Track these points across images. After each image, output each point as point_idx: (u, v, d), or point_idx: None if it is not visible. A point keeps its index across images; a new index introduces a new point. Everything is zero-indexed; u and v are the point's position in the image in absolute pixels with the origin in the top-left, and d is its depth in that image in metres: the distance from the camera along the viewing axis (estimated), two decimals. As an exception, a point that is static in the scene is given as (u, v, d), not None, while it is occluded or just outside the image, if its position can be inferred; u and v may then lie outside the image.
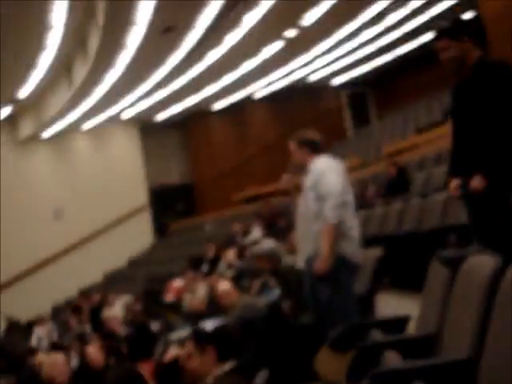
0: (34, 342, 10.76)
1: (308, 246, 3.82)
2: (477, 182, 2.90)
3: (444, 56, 3.00)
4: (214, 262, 9.46)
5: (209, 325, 3.06)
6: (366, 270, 4.17)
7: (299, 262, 3.99)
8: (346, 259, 3.70)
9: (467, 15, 13.90)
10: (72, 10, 9.84)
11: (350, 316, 3.64)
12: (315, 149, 3.90)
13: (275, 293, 5.58)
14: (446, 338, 2.62)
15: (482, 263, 2.48)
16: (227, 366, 2.83)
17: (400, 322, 3.21)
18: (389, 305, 4.67)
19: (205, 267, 9.63)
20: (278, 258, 4.95)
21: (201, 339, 2.97)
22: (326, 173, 3.73)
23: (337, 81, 18.13)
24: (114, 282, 14.61)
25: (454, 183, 3.09)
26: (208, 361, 2.89)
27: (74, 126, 15.88)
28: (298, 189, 4.09)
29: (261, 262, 5.00)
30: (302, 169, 3.97)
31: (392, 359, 2.55)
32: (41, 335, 11.10)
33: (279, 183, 4.20)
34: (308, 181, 3.85)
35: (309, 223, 3.81)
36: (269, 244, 5.46)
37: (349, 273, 3.76)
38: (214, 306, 5.67)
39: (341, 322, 3.46)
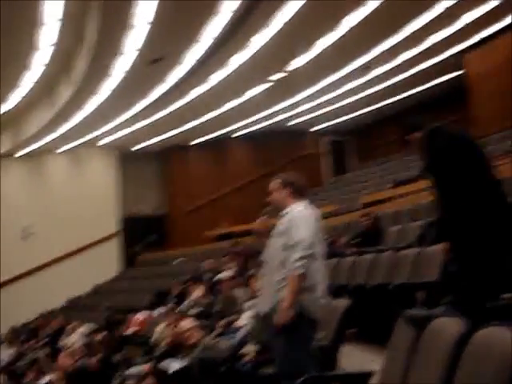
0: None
1: (270, 295, 3.68)
2: None
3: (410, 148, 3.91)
4: (180, 298, 9.32)
5: (170, 365, 2.98)
6: (332, 321, 4.12)
7: (262, 306, 3.87)
8: (305, 313, 3.58)
9: (453, 74, 14.31)
10: (61, 32, 9.86)
11: (306, 368, 3.48)
12: (298, 192, 3.84)
13: (239, 335, 5.50)
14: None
15: (448, 325, 2.46)
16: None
17: (362, 377, 3.16)
18: (352, 357, 4.61)
19: (170, 303, 9.47)
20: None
21: (162, 381, 2.90)
22: (300, 222, 3.64)
23: (318, 127, 18.33)
24: (76, 308, 14.31)
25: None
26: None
27: (52, 147, 15.77)
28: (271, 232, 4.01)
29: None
30: (278, 210, 3.87)
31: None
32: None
33: (254, 224, 4.09)
34: (279, 225, 3.76)
35: (272, 270, 3.70)
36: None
37: (309, 327, 3.63)
38: (175, 343, 5.57)
39: (297, 373, 3.33)
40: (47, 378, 5.90)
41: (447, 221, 3.26)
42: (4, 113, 13.54)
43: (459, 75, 14.01)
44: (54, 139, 14.93)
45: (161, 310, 9.33)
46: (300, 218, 3.66)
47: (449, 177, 3.22)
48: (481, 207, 3.07)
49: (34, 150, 15.52)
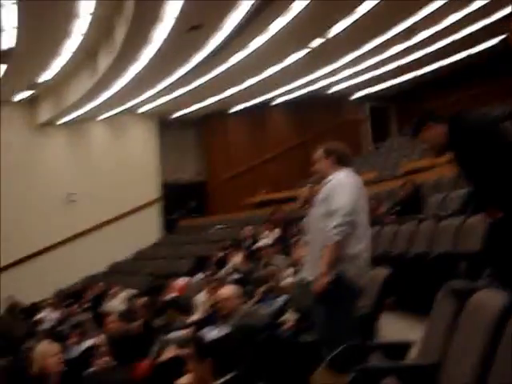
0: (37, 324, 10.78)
1: (313, 263, 3.70)
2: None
3: (428, 146, 3.60)
4: (219, 265, 9.42)
5: (210, 333, 3.02)
6: (372, 290, 4.10)
7: (306, 274, 3.89)
8: (347, 281, 3.58)
9: (498, 39, 13.85)
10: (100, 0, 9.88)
11: (347, 337, 3.47)
12: (341, 161, 3.83)
13: (279, 302, 5.54)
14: (448, 369, 2.57)
15: (491, 298, 2.42)
16: (222, 379, 2.80)
17: (402, 348, 3.15)
18: (392, 326, 4.60)
19: (210, 269, 9.58)
20: None
21: (200, 350, 2.94)
22: (340, 189, 3.63)
23: (359, 94, 18.05)
24: (118, 274, 14.62)
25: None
26: (204, 372, 2.86)
27: (93, 115, 15.92)
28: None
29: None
30: (322, 179, 3.88)
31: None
32: (44, 318, 11.14)
33: (301, 191, 4.08)
34: (322, 193, 3.76)
35: (315, 237, 3.71)
36: None
37: (350, 296, 3.63)
38: (215, 310, 5.63)
39: (338, 341, 3.34)
40: (90, 342, 6.05)
41: (485, 191, 3.17)
42: (46, 81, 13.71)
43: (506, 39, 13.55)
44: (94, 107, 15.05)
45: (200, 276, 9.46)
46: (340, 185, 3.65)
47: (482, 157, 3.08)
48: None
49: (76, 117, 15.70)
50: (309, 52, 13.01)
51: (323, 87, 16.50)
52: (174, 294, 9.78)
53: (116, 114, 16.37)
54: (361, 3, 10.71)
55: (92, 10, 10.18)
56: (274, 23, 11.08)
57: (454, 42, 13.76)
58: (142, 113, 16.77)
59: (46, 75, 13.40)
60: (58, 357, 4.59)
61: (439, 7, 11.36)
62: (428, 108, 14.92)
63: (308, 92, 16.68)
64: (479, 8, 11.73)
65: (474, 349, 2.31)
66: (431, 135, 3.35)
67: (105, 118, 16.56)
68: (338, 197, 3.59)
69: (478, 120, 3.25)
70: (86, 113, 15.43)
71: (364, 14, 11.11)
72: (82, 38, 11.45)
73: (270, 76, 14.38)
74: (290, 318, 4.73)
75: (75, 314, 10.68)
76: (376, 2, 10.63)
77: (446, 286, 2.86)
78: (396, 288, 4.73)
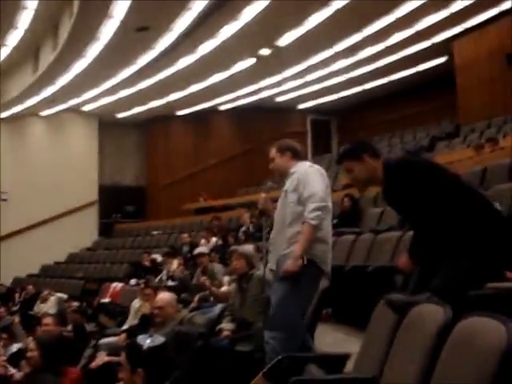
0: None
1: (280, 247, 3.74)
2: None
3: (350, 177, 3.17)
4: (156, 270, 9.28)
5: (143, 341, 2.91)
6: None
7: (270, 264, 3.89)
8: (315, 264, 3.63)
9: (439, 60, 14.29)
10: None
11: (295, 321, 3.59)
12: (297, 155, 3.92)
13: (215, 310, 5.47)
14: (386, 383, 2.56)
15: (430, 313, 2.43)
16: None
17: (339, 360, 3.14)
18: (328, 338, 4.61)
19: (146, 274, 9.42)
20: (253, 263, 4.88)
21: (133, 359, 2.84)
22: (311, 176, 3.71)
23: (302, 106, 18.24)
24: (49, 277, 14.19)
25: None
26: (137, 382, 2.76)
27: (33, 111, 15.47)
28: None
29: (239, 261, 4.90)
30: (281, 176, 3.94)
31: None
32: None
33: (258, 203, 4.09)
34: (289, 184, 3.80)
35: (284, 225, 3.73)
36: (251, 248, 5.38)
37: (313, 279, 3.69)
38: (150, 317, 5.51)
39: (285, 324, 3.50)
40: (17, 346, 5.82)
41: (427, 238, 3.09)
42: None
43: (447, 61, 13.99)
44: (37, 102, 14.64)
45: (135, 281, 9.29)
46: (309, 173, 3.74)
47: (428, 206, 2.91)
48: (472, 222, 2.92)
49: (17, 112, 15.22)
50: (256, 61, 13.06)
51: (269, 97, 16.58)
52: (107, 300, 9.57)
53: (57, 112, 15.96)
54: (309, 16, 10.82)
55: (37, 3, 9.91)
56: (223, 29, 11.07)
57: (395, 61, 14.09)
58: (85, 112, 16.41)
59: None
60: (1, 358, 4.38)
61: (384, 26, 11.63)
62: (364, 137, 15.25)
63: (253, 101, 16.73)
64: (422, 29, 12.06)
65: (412, 363, 2.31)
66: (361, 169, 3.07)
67: (45, 115, 16.12)
68: (310, 184, 3.66)
69: (415, 164, 3.01)
70: (28, 108, 14.98)
71: (311, 28, 11.24)
72: (25, 31, 11.12)
73: (217, 82, 14.35)
74: (226, 326, 4.68)
75: (3, 317, 10.30)
76: (324, 17, 10.77)
77: (385, 299, 2.86)
78: (334, 300, 4.75)
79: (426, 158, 3.73)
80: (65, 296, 10.53)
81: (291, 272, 3.55)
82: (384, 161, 3.10)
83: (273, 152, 3.96)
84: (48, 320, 6.05)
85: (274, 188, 4.10)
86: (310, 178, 3.69)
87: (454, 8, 11.20)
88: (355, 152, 3.10)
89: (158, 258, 10.46)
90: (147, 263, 10.42)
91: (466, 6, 11.09)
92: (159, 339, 2.91)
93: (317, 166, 3.89)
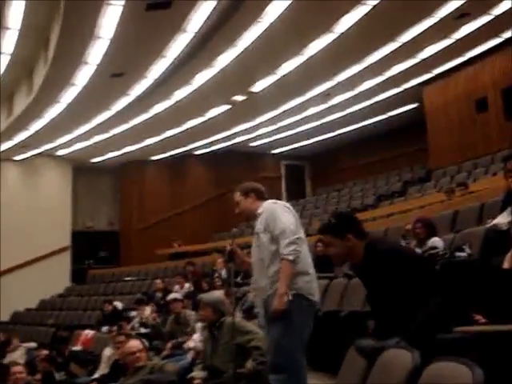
0: None
1: (265, 288, 3.72)
2: None
3: (330, 251, 3.24)
4: (127, 318, 9.12)
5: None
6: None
7: (257, 307, 3.91)
8: (302, 297, 3.62)
9: (410, 106, 14.63)
10: (23, 38, 9.69)
11: (297, 359, 3.56)
12: (261, 196, 3.96)
13: (187, 358, 5.40)
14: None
15: (399, 357, 2.44)
16: None
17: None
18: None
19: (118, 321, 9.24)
20: (222, 310, 4.80)
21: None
22: (277, 212, 3.73)
23: (277, 150, 18.42)
24: (19, 324, 13.87)
25: None
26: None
27: (7, 155, 15.38)
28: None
29: (205, 310, 4.84)
30: (248, 218, 4.00)
31: None
32: None
33: (225, 250, 4.13)
34: (259, 224, 3.82)
35: (264, 266, 3.73)
36: (218, 295, 5.31)
37: (304, 312, 3.66)
38: (121, 364, 5.41)
39: (287, 364, 3.49)
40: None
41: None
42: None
43: (418, 107, 14.31)
44: (10, 147, 14.57)
45: (107, 329, 9.13)
46: (275, 210, 3.76)
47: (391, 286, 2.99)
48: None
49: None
50: (231, 107, 13.22)
51: (243, 142, 16.73)
52: (77, 347, 9.39)
53: (31, 156, 15.88)
54: (282, 64, 11.04)
55: (12, 48, 9.96)
56: (197, 76, 11.22)
57: (367, 107, 14.38)
58: (59, 156, 16.35)
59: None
60: None
61: (354, 74, 11.90)
62: (351, 211, 15.36)
63: (228, 145, 16.87)
64: (391, 76, 12.37)
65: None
66: (342, 246, 3.14)
67: (19, 160, 16.02)
68: (278, 221, 3.68)
69: (398, 257, 3.09)
70: (1, 152, 14.88)
71: (284, 75, 11.47)
72: (2, 74, 11.14)
73: (191, 128, 14.46)
74: (197, 375, 4.61)
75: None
76: (296, 64, 11.00)
77: (355, 345, 2.86)
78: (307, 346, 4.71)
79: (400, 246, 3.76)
80: (34, 345, 10.29)
81: (279, 311, 3.55)
82: (369, 243, 3.15)
83: (237, 195, 4.02)
84: (17, 368, 5.92)
85: (238, 234, 4.14)
86: (276, 215, 3.72)
87: (423, 55, 11.53)
88: (340, 230, 3.15)
89: (119, 305, 10.34)
90: (108, 311, 10.30)
91: (435, 53, 11.42)
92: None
93: (281, 202, 3.94)
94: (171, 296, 7.51)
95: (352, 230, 3.15)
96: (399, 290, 2.92)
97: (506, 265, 3.61)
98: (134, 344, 4.95)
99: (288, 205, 3.90)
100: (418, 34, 10.33)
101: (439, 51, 11.35)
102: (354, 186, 15.78)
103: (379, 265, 3.01)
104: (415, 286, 2.91)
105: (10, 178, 16.21)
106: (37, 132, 13.50)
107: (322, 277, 6.69)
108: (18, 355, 9.60)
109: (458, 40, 10.93)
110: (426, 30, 10.18)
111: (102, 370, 6.74)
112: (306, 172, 19.71)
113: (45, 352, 8.20)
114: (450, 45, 11.12)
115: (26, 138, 13.95)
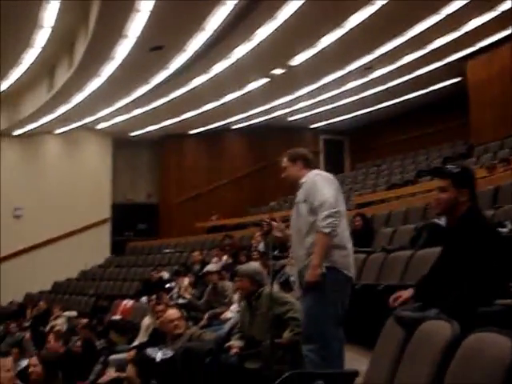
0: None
1: (301, 258, 3.77)
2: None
3: (440, 196, 3.12)
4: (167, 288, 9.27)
5: (153, 354, 2.92)
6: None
7: (293, 277, 3.95)
8: (337, 271, 3.65)
9: (452, 81, 14.31)
10: (63, 12, 9.77)
11: (328, 331, 3.60)
12: (308, 164, 3.96)
13: (224, 327, 5.47)
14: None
15: (438, 328, 2.43)
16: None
17: (348, 376, 3.13)
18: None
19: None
20: (259, 281, 4.83)
21: (145, 371, 2.85)
22: (318, 184, 3.74)
23: (315, 125, 18.29)
24: (60, 294, 14.24)
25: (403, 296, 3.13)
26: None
27: (48, 128, 15.65)
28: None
29: (242, 282, 4.88)
30: (294, 184, 3.98)
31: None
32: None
33: (274, 230, 4.10)
34: (300, 194, 3.84)
35: (301, 236, 3.76)
36: (256, 266, 5.35)
37: (339, 285, 3.69)
38: (160, 332, 5.52)
39: (318, 335, 3.53)
40: (27, 361, 5.82)
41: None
42: (3, 90, 13.42)
43: (460, 81, 14.00)
44: (51, 120, 14.80)
45: (146, 299, 9.29)
46: (318, 182, 3.77)
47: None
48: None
49: (31, 129, 15.40)
50: (269, 80, 13.14)
51: (281, 116, 16.65)
52: (117, 317, 9.58)
53: (71, 130, 16.13)
54: (321, 37, 10.90)
55: (53, 22, 10.06)
56: (236, 50, 11.16)
57: (408, 81, 14.12)
58: (99, 130, 16.57)
59: (3, 85, 13.12)
60: (11, 373, 4.39)
61: (395, 47, 11.67)
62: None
63: (266, 120, 16.81)
64: (433, 50, 12.09)
65: (420, 378, 2.30)
66: (457, 196, 3.05)
67: (60, 133, 16.29)
68: (318, 193, 3.68)
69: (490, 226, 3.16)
70: (42, 125, 15.16)
71: (324, 48, 11.32)
72: (41, 49, 11.29)
73: (230, 101, 14.45)
74: (235, 344, 4.67)
75: (14, 333, 10.35)
76: (336, 37, 10.84)
77: (394, 315, 2.86)
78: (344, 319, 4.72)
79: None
80: (74, 313, 10.55)
81: (312, 282, 3.58)
82: (473, 207, 3.09)
83: (284, 161, 4.02)
84: (51, 337, 6.08)
85: (276, 208, 4.14)
86: (318, 187, 3.72)
87: (467, 28, 11.23)
88: (462, 181, 3.09)
89: (165, 275, 10.48)
90: (154, 280, 10.47)
91: (479, 26, 11.11)
92: (169, 352, 2.92)
93: (324, 173, 3.93)
94: (206, 268, 7.60)
95: (470, 186, 3.10)
96: (482, 264, 2.87)
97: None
98: (173, 312, 5.05)
99: (332, 177, 3.89)
100: (462, 7, 10.04)
101: (483, 24, 11.04)
102: (394, 162, 15.57)
103: (473, 232, 2.97)
104: (494, 265, 2.88)
105: (51, 151, 16.53)
106: (77, 105, 13.66)
107: (359, 251, 6.70)
108: (59, 322, 9.88)
109: (502, 13, 10.59)
110: (469, 2, 9.90)
111: (141, 338, 6.87)
112: (345, 147, 19.54)
113: (85, 320, 8.41)
114: (495, 18, 10.79)
115: (67, 111, 14.13)
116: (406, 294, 3.12)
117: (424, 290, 3.06)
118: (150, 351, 2.85)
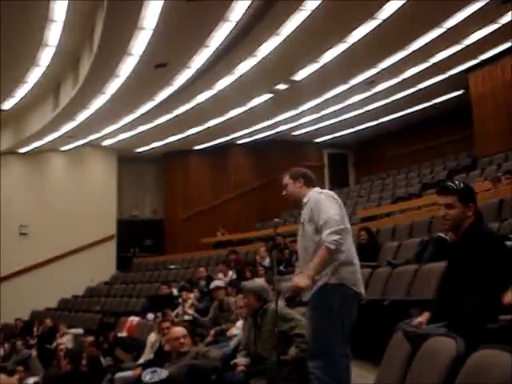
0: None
1: None
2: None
3: (448, 213, 3.14)
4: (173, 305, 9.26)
5: (157, 374, 2.91)
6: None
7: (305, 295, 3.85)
8: (346, 287, 3.63)
9: (455, 93, 14.33)
10: (68, 31, 9.86)
11: (334, 347, 3.58)
12: (309, 182, 3.97)
13: (230, 345, 5.45)
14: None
15: (444, 344, 2.42)
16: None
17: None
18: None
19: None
20: (265, 297, 4.82)
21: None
22: (322, 203, 3.72)
23: (319, 140, 18.33)
24: (67, 311, 14.24)
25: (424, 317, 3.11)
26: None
27: (53, 146, 15.73)
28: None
29: (247, 297, 4.88)
30: (295, 203, 3.99)
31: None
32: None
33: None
34: (304, 214, 3.83)
35: (309, 254, 3.74)
36: (261, 282, 5.34)
37: (347, 302, 3.66)
38: (166, 350, 5.50)
39: (324, 351, 3.51)
40: (33, 379, 5.82)
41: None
42: (9, 108, 13.52)
43: (463, 94, 14.02)
44: (56, 138, 14.88)
45: (152, 316, 9.28)
46: (320, 201, 3.76)
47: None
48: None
49: (37, 147, 15.48)
50: (273, 96, 13.20)
51: (285, 131, 16.69)
52: (123, 334, 9.57)
53: (76, 147, 16.21)
54: (324, 52, 10.95)
55: (60, 39, 10.16)
56: (240, 65, 11.23)
57: (411, 95, 14.16)
58: (104, 146, 16.64)
59: (9, 103, 13.22)
60: None
61: (398, 61, 11.72)
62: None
63: (270, 135, 16.86)
64: (436, 63, 12.13)
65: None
66: (464, 212, 3.10)
67: (66, 150, 16.37)
68: (322, 211, 3.67)
69: (496, 237, 3.17)
70: (47, 143, 15.24)
71: (327, 63, 11.37)
72: (46, 68, 11.38)
73: (234, 117, 14.50)
74: (241, 361, 4.66)
75: (20, 350, 10.34)
76: (339, 52, 10.90)
77: (401, 329, 2.85)
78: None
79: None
80: (81, 331, 10.55)
81: (296, 288, 3.56)
82: (477, 221, 3.14)
83: (286, 178, 4.03)
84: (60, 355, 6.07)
85: (281, 223, 4.13)
86: (321, 206, 3.71)
87: (469, 41, 11.28)
88: (467, 196, 3.13)
89: (174, 291, 10.47)
90: (163, 293, 10.45)
91: (481, 39, 11.16)
92: (162, 373, 2.90)
93: (326, 191, 3.93)
94: (214, 283, 7.58)
95: (475, 201, 3.14)
96: (488, 276, 2.87)
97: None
98: (179, 330, 5.03)
99: (334, 194, 3.87)
100: (463, 20, 10.09)
101: (485, 37, 11.08)
102: (398, 175, 15.58)
103: (479, 244, 2.98)
104: (501, 276, 2.88)
105: (56, 168, 16.60)
106: (82, 123, 13.74)
107: (364, 265, 6.68)
108: (65, 340, 9.86)
109: (503, 25, 10.63)
110: (471, 15, 9.95)
111: (147, 355, 6.86)
112: (349, 160, 19.56)
113: (91, 338, 8.40)
114: (496, 30, 10.83)
115: (72, 129, 14.21)
116: (424, 318, 3.08)
117: (439, 311, 3.05)
118: (143, 374, 2.84)
